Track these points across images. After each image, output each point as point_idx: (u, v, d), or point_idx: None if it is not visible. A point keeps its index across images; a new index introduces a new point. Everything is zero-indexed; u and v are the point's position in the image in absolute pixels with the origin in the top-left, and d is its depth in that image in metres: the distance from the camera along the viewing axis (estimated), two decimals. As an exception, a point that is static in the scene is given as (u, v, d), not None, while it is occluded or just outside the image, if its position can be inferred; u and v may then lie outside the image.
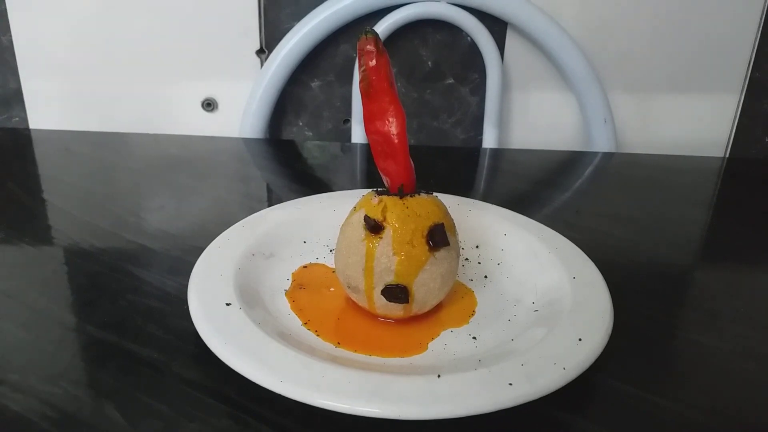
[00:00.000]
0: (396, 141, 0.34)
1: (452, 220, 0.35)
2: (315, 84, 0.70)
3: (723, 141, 0.74)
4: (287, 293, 0.38)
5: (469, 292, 0.38)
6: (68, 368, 0.32)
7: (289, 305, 0.36)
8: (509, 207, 0.46)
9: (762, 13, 0.67)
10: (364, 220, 0.33)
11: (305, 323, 0.35)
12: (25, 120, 0.71)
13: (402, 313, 0.34)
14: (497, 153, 0.70)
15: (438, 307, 0.36)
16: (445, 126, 0.72)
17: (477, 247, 0.43)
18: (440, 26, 0.67)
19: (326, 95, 0.71)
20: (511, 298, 0.38)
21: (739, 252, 0.48)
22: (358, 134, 0.70)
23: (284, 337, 0.32)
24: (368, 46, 0.34)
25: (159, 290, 0.39)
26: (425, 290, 0.34)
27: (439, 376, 0.29)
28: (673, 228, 0.52)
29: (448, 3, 0.65)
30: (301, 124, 0.72)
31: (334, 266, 0.36)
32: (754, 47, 0.69)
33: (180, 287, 0.38)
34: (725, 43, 0.68)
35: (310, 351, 0.31)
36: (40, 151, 0.65)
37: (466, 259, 0.41)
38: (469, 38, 0.67)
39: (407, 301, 0.34)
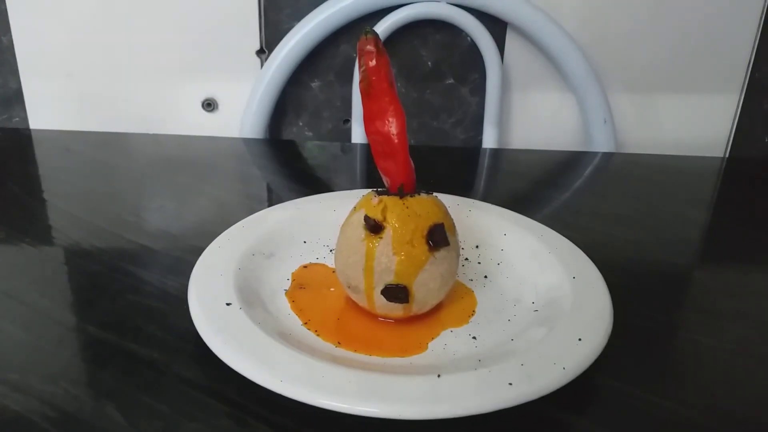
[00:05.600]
0: (396, 141, 0.34)
1: (452, 220, 0.35)
2: (315, 84, 0.70)
3: (723, 141, 0.74)
4: (287, 293, 0.38)
5: (469, 292, 0.39)
6: (68, 368, 0.32)
7: (289, 305, 0.36)
8: (509, 207, 0.46)
9: (762, 14, 0.67)
10: (364, 220, 0.33)
11: (305, 323, 0.35)
12: (26, 120, 0.71)
13: (402, 312, 0.34)
14: (497, 153, 0.70)
15: (438, 307, 0.36)
16: (445, 126, 0.72)
17: (477, 247, 0.43)
18: (440, 26, 0.67)
19: (326, 95, 0.71)
20: (511, 298, 0.38)
21: (739, 252, 0.48)
22: (358, 134, 0.70)
23: (284, 337, 0.32)
24: (368, 47, 0.34)
25: (159, 290, 0.39)
26: (425, 290, 0.34)
27: (439, 375, 0.29)
28: (672, 228, 0.52)
29: (448, 3, 0.65)
30: (301, 124, 0.72)
31: (334, 266, 0.36)
32: (753, 47, 0.69)
33: (180, 287, 0.38)
34: (725, 43, 0.69)
35: (311, 351, 0.31)
36: (40, 151, 0.65)
37: (466, 258, 0.42)
38: (469, 38, 0.67)
39: (407, 301, 0.34)
